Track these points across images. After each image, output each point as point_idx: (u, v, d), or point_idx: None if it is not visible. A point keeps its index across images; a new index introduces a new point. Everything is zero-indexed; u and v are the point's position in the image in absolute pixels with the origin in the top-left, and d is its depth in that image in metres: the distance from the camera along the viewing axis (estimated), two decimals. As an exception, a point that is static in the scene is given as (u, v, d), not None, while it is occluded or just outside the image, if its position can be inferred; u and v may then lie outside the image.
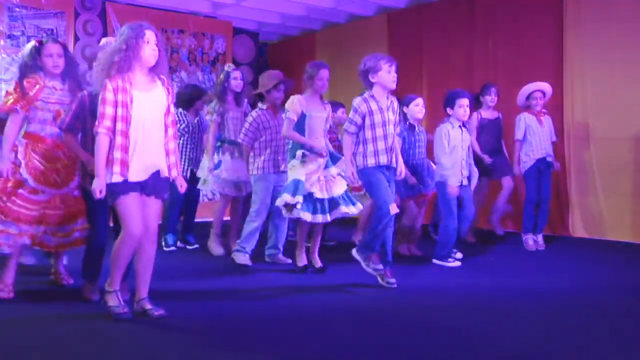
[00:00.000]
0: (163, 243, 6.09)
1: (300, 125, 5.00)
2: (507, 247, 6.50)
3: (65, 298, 4.24)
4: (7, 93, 4.25)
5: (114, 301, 3.68)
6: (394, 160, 4.62)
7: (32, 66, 4.17)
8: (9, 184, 4.10)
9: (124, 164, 3.55)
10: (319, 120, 5.06)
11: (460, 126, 5.59)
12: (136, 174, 3.59)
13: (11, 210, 4.06)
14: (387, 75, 4.50)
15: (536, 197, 6.36)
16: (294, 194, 4.83)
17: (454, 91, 5.69)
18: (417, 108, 5.83)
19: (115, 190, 3.56)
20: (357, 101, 4.56)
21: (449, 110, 5.58)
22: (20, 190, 4.09)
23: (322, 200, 4.94)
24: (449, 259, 5.52)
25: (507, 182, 6.71)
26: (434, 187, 5.84)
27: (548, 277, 5.07)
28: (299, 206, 4.83)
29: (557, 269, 5.47)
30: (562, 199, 7.24)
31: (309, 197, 4.88)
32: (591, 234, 7.09)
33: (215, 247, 5.95)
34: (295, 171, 4.94)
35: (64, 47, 4.30)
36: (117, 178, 3.55)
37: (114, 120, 3.56)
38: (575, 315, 3.92)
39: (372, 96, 4.54)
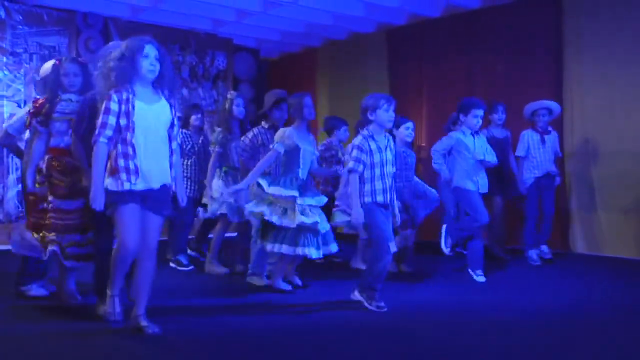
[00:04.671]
0: (177, 264, 6.14)
1: (294, 157, 4.98)
2: (509, 263, 6.48)
3: (69, 315, 4.17)
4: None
5: (110, 306, 3.79)
6: (392, 199, 4.59)
7: (53, 82, 4.37)
8: (35, 200, 4.36)
9: (128, 171, 3.55)
10: (309, 154, 5.07)
11: (472, 134, 5.53)
12: (141, 182, 3.58)
13: (39, 225, 4.31)
14: (384, 114, 4.51)
15: (537, 213, 6.35)
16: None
17: (470, 100, 5.65)
18: (407, 132, 5.79)
19: (115, 200, 3.56)
20: (359, 140, 4.54)
21: (461, 117, 5.53)
22: (45, 205, 4.30)
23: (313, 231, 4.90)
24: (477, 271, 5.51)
25: (496, 203, 6.58)
26: (425, 210, 5.85)
27: (549, 294, 5.06)
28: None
29: (558, 285, 5.46)
30: (562, 214, 7.22)
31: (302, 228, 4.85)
32: (592, 250, 7.08)
33: (216, 267, 5.89)
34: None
35: (83, 66, 4.43)
36: (122, 186, 3.54)
37: (118, 131, 3.57)
38: (576, 332, 3.91)
39: (372, 136, 4.54)
